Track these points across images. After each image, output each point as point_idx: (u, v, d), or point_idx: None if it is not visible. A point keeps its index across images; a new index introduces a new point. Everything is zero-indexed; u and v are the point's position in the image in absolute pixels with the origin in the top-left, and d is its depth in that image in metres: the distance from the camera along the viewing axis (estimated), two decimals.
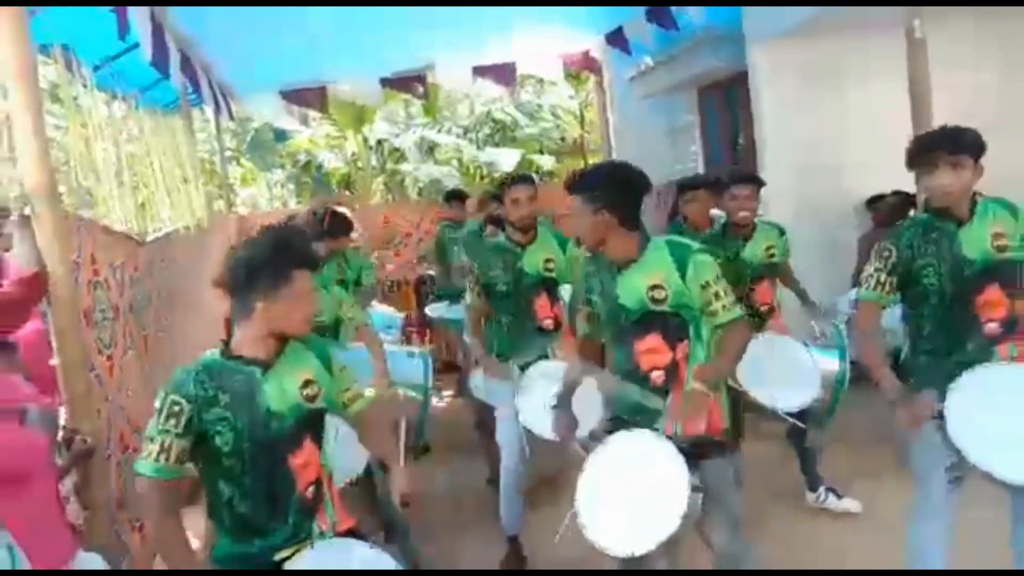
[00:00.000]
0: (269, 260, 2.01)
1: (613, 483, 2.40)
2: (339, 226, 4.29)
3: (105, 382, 2.99)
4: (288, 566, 2.03)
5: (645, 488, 2.33)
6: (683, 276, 2.42)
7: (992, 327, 2.53)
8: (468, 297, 3.68)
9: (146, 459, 1.97)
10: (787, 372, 3.51)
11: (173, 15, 4.90)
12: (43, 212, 2.61)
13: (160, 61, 4.59)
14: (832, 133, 5.84)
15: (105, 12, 3.70)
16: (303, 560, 2.04)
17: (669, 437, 2.40)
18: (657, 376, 2.48)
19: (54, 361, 2.67)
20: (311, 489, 2.09)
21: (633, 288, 2.47)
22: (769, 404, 3.41)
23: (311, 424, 2.11)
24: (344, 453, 2.58)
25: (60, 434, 2.64)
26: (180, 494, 2.10)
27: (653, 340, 2.47)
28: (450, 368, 7.02)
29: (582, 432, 2.82)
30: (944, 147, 2.48)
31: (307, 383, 2.09)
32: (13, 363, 2.57)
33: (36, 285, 2.56)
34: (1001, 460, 2.33)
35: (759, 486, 4.00)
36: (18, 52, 2.61)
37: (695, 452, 2.39)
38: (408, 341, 8.29)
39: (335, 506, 2.16)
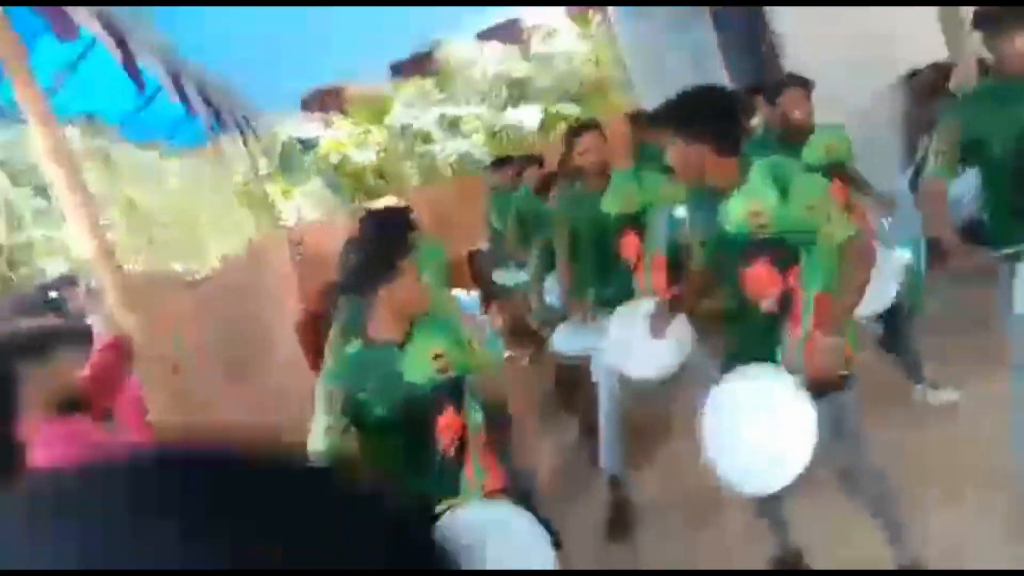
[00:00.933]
0: (379, 253, 2.31)
1: (739, 423, 2.36)
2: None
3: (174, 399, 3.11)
4: (445, 520, 2.22)
5: (772, 428, 2.29)
6: (785, 199, 2.30)
7: None
8: (555, 245, 3.78)
9: (315, 438, 2.30)
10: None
11: (179, 55, 5.00)
12: (106, 279, 2.73)
13: (185, 102, 4.71)
14: (851, 22, 5.60)
15: (121, 74, 3.81)
16: (463, 516, 2.22)
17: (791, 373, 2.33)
18: (768, 306, 2.41)
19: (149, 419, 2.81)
20: (454, 447, 2.37)
21: (735, 215, 2.40)
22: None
23: (448, 391, 2.38)
24: None
25: None
26: None
27: (762, 268, 2.40)
28: (521, 335, 7.05)
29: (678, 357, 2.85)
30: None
31: (437, 356, 2.36)
32: (114, 429, 2.70)
33: (121, 350, 2.69)
34: None
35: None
36: (46, 131, 2.70)
37: (819, 389, 2.31)
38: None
39: (485, 464, 2.44)
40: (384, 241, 2.38)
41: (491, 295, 7.65)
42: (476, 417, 2.46)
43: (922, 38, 4.30)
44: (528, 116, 12.96)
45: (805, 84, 3.76)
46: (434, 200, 9.20)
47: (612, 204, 3.60)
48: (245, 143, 8.36)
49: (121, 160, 4.76)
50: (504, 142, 13.42)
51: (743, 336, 2.53)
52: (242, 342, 4.33)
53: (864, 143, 4.64)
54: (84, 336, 2.75)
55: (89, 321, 2.88)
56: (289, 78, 7.05)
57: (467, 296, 5.98)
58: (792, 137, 3.73)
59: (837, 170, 3.73)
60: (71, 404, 2.14)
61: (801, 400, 2.25)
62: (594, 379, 3.68)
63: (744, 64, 7.05)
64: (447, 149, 12.61)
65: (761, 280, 2.41)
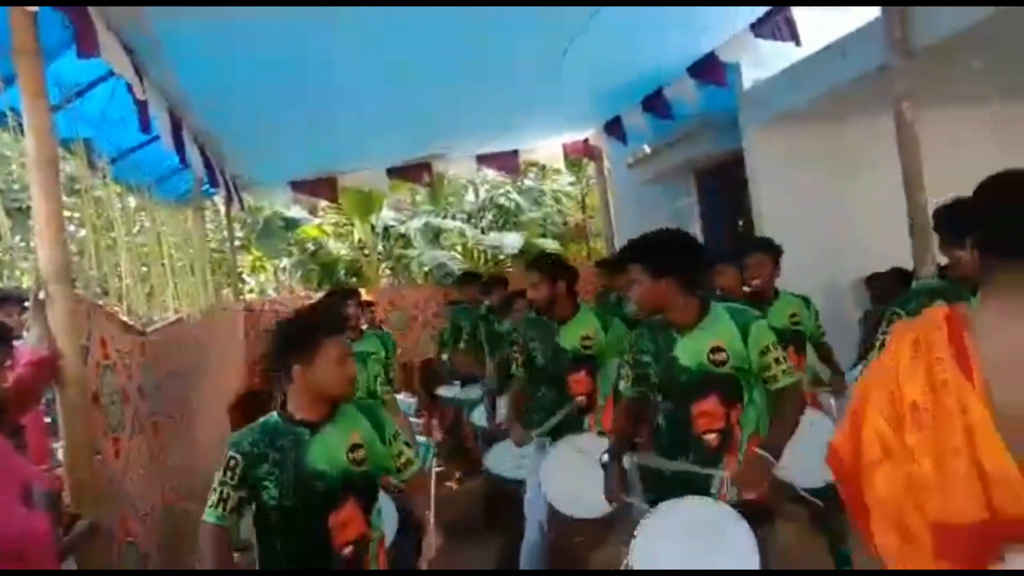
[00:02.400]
0: (300, 331, 2.26)
1: (677, 549, 2.34)
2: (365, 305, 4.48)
3: (110, 465, 2.96)
4: None
5: (714, 554, 2.30)
6: (745, 341, 2.50)
7: None
8: (513, 368, 3.78)
9: (208, 507, 2.20)
10: (810, 448, 3.47)
11: (190, 109, 5.12)
12: (57, 295, 2.66)
13: (180, 152, 4.77)
14: (827, 214, 5.96)
15: (128, 107, 3.88)
16: None
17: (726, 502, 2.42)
18: (712, 438, 2.52)
19: (59, 444, 2.66)
20: (350, 548, 2.20)
21: (695, 350, 2.53)
22: (790, 481, 3.36)
23: (355, 486, 2.24)
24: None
25: (61, 515, 2.60)
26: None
27: (710, 403, 2.52)
28: (459, 454, 6.92)
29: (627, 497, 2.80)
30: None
31: (355, 447, 2.25)
32: (19, 445, 2.56)
33: (48, 367, 2.58)
34: None
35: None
36: (42, 143, 2.71)
37: (748, 517, 2.40)
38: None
39: (380, 568, 2.29)
40: (310, 318, 2.32)
41: (432, 406, 7.56)
42: (379, 521, 2.34)
43: (891, 241, 4.56)
44: (510, 242, 13.30)
45: (772, 250, 3.90)
46: (401, 304, 9.25)
47: (570, 340, 3.60)
48: (228, 207, 8.44)
49: (105, 198, 4.74)
50: (481, 262, 13.67)
51: (678, 469, 2.55)
52: (169, 400, 4.18)
53: (832, 323, 4.82)
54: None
55: (26, 335, 2.78)
56: (288, 156, 7.22)
57: (405, 398, 5.92)
58: (755, 296, 3.84)
59: (796, 338, 3.83)
60: None
61: (741, 525, 2.32)
62: (525, 506, 3.59)
63: (721, 235, 7.41)
64: (425, 257, 12.80)
65: (708, 415, 2.52)
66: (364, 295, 9.30)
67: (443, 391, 6.52)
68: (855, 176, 5.97)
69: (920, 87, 3.98)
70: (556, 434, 3.51)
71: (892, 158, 4.04)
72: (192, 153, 5.50)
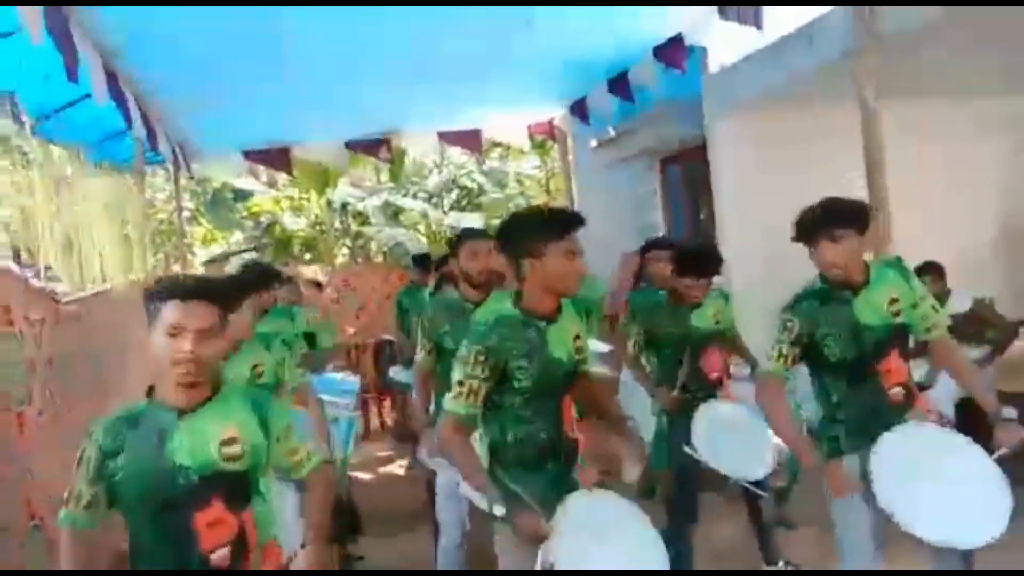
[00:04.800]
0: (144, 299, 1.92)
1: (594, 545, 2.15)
2: (264, 279, 4.04)
3: (12, 442, 2.74)
4: None
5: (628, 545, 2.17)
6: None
7: (896, 393, 2.55)
8: (419, 355, 3.51)
9: (63, 507, 1.91)
10: (744, 443, 3.40)
11: (131, 67, 4.82)
12: None
13: (121, 108, 4.46)
14: (790, 202, 5.88)
15: (54, 57, 3.57)
16: None
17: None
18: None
19: None
20: (222, 553, 1.89)
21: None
22: (727, 474, 3.33)
23: (225, 484, 1.91)
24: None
25: None
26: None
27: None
28: (409, 438, 6.78)
29: None
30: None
31: (231, 440, 1.91)
32: None
33: None
34: (926, 522, 2.30)
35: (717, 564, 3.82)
36: None
37: None
38: (366, 408, 8.11)
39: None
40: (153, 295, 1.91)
41: (384, 388, 7.38)
42: (266, 517, 1.99)
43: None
44: (471, 223, 13.11)
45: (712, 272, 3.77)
46: (356, 283, 9.03)
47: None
48: (177, 176, 8.10)
49: (37, 156, 4.44)
50: (442, 243, 13.48)
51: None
52: (88, 376, 3.93)
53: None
54: None
55: None
56: (240, 122, 6.91)
57: (347, 376, 5.70)
58: (684, 297, 3.69)
59: (719, 337, 3.74)
60: None
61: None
62: (437, 513, 3.48)
63: (683, 223, 7.33)
64: (384, 235, 12.55)
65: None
66: (314, 275, 9.08)
67: (393, 373, 6.35)
68: (818, 164, 5.89)
69: (884, 75, 3.91)
70: None
71: (855, 148, 3.97)
72: (134, 114, 5.20)
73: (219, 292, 1.95)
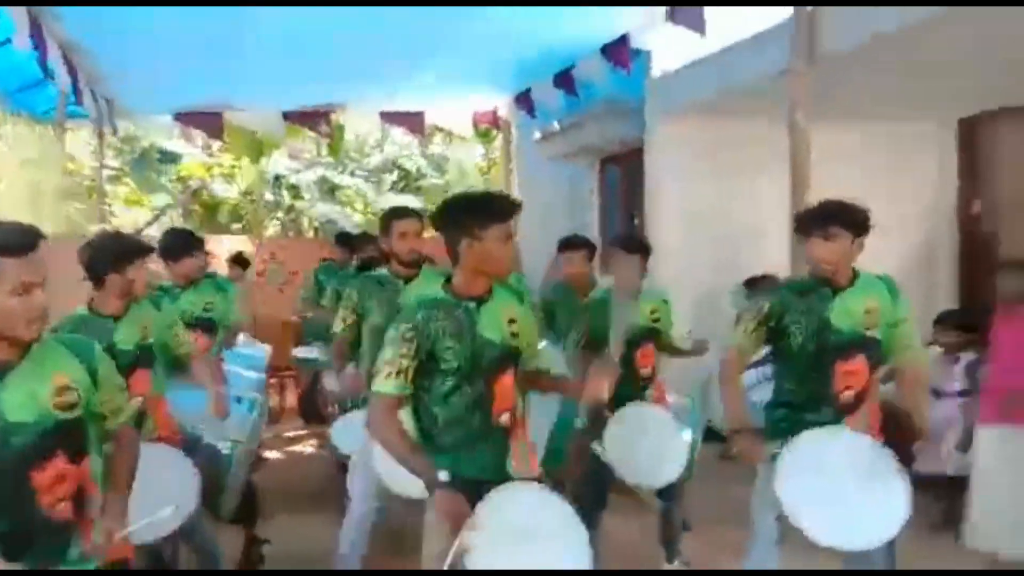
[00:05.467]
0: None
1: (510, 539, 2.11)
2: (180, 247, 3.87)
3: None
4: None
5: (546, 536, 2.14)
6: None
7: (847, 396, 2.61)
8: (337, 325, 3.45)
9: None
10: (656, 448, 3.47)
11: (58, 19, 4.56)
12: None
13: (41, 57, 4.23)
14: (718, 208, 6.02)
15: None
16: None
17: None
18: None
19: None
20: (63, 506, 1.80)
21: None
22: (636, 482, 3.43)
23: (65, 436, 1.81)
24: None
25: None
26: None
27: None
28: (316, 418, 6.63)
29: None
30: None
31: (63, 389, 1.81)
32: None
33: None
34: (812, 519, 2.39)
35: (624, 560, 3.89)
36: None
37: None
38: (282, 384, 7.90)
39: (107, 532, 1.85)
40: None
41: (292, 366, 7.18)
42: (97, 466, 1.92)
43: (780, 244, 4.62)
44: (408, 204, 13.01)
45: (641, 251, 3.81)
46: (283, 256, 8.81)
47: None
48: (101, 131, 7.74)
49: None
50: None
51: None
52: None
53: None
54: None
55: None
56: (173, 84, 6.64)
57: (252, 350, 5.56)
58: (618, 295, 3.73)
59: (654, 335, 3.79)
60: None
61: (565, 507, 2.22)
62: (348, 485, 3.44)
63: (616, 225, 7.40)
64: (316, 210, 12.28)
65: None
66: (241, 244, 8.79)
67: (300, 352, 6.19)
68: (750, 175, 6.04)
69: (818, 96, 4.04)
70: None
71: (786, 162, 4.10)
72: (56, 64, 4.94)
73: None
